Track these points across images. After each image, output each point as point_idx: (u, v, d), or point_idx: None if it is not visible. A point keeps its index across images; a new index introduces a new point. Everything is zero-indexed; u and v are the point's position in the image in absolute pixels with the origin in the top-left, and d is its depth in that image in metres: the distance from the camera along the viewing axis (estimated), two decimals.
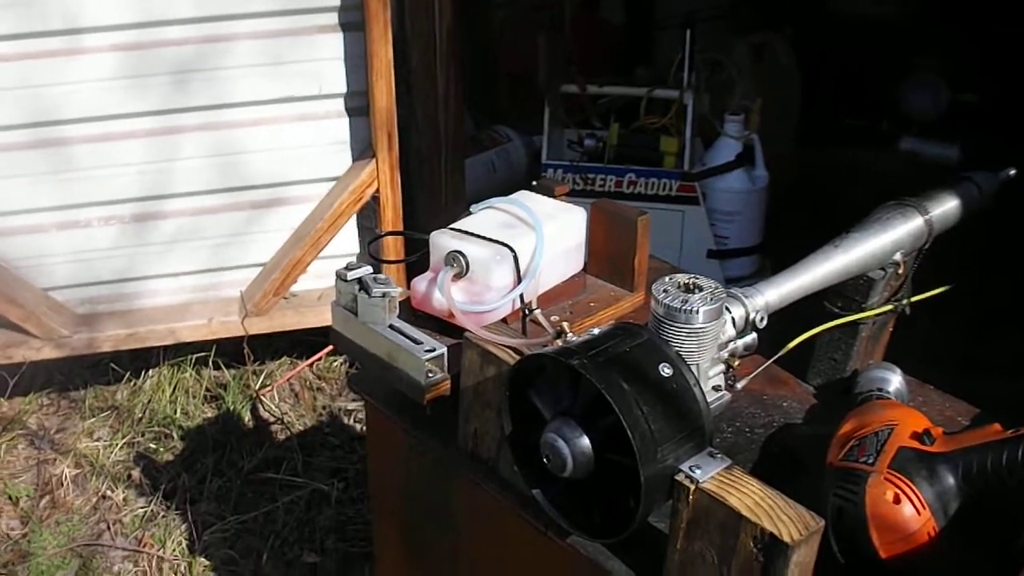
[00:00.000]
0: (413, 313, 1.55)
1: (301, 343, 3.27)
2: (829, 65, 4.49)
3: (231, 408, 3.09)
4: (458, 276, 1.51)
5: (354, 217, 3.00)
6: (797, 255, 1.52)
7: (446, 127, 2.97)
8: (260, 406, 3.12)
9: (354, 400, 3.16)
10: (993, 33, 4.15)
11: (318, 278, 3.03)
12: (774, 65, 4.22)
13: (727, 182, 3.63)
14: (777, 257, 3.31)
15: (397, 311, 1.52)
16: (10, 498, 2.82)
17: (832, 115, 4.58)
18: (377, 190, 2.90)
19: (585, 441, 1.18)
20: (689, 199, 3.59)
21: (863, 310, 1.59)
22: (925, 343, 1.95)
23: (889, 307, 1.61)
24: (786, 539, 1.07)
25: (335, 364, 3.29)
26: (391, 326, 1.50)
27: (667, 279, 1.31)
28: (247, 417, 3.09)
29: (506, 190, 1.69)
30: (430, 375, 1.44)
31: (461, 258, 1.51)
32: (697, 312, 1.26)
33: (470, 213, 1.63)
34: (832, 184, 4.06)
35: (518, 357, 1.32)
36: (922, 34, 4.59)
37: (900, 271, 1.59)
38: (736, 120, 3.63)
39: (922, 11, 4.41)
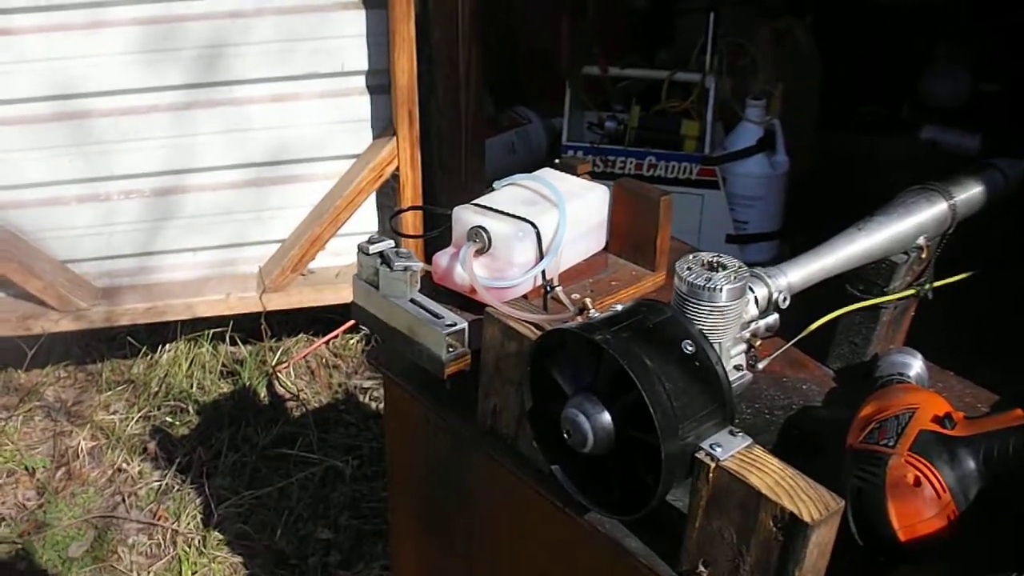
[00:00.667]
0: (434, 288, 1.55)
1: (318, 320, 3.28)
2: (851, 52, 4.46)
3: (247, 384, 3.10)
4: (480, 251, 1.51)
5: (373, 195, 3.00)
6: (816, 241, 1.51)
7: (466, 106, 2.97)
8: (276, 382, 3.13)
9: (370, 378, 3.16)
10: (1015, 21, 4.12)
11: (336, 255, 3.03)
12: (796, 51, 4.20)
13: (747, 167, 3.62)
14: (796, 243, 3.30)
15: (419, 285, 1.51)
16: (27, 469, 2.84)
17: (853, 102, 4.56)
18: (397, 168, 2.90)
19: (606, 417, 1.17)
20: (709, 183, 3.58)
21: (885, 294, 1.58)
22: (946, 329, 1.93)
23: (911, 292, 1.60)
24: (806, 519, 1.07)
25: (351, 342, 3.30)
26: (412, 300, 1.49)
27: (691, 257, 1.30)
28: (263, 393, 3.10)
29: (525, 171, 1.67)
30: (451, 350, 1.43)
31: (484, 233, 1.50)
32: (720, 290, 1.25)
33: (492, 190, 1.62)
34: (851, 171, 4.05)
35: (539, 333, 1.32)
36: (944, 22, 4.56)
37: (923, 256, 1.58)
38: (757, 105, 3.62)
39: None
